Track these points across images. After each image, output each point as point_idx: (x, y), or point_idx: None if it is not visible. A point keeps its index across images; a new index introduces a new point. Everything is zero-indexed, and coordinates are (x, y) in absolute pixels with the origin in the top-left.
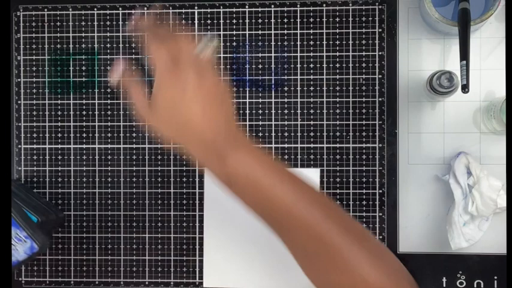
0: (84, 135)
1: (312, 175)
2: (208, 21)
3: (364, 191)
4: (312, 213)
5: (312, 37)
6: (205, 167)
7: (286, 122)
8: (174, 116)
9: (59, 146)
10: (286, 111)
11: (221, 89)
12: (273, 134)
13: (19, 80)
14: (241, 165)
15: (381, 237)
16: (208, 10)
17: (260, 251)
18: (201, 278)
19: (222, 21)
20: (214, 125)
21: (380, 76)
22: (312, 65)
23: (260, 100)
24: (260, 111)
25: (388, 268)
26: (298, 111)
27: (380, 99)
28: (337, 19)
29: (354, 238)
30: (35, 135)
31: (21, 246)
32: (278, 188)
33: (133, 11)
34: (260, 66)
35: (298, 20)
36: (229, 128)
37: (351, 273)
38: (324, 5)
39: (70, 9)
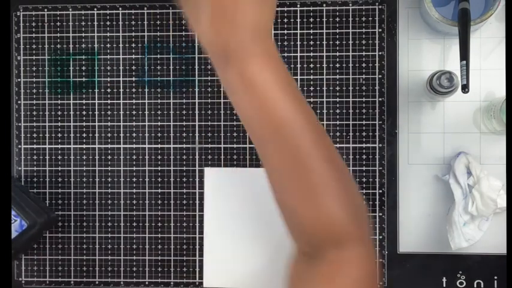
0: (84, 135)
1: None
2: None
3: (364, 191)
4: (303, 136)
5: (312, 37)
6: (216, 68)
7: None
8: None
9: (59, 146)
10: None
11: None
12: None
13: (19, 80)
14: (246, 70)
15: (380, 237)
16: None
17: (260, 251)
18: (201, 278)
19: None
20: (240, 20)
21: (380, 76)
22: (312, 65)
23: None
24: None
25: (355, 208)
26: None
27: (380, 99)
28: (337, 19)
29: (332, 170)
30: (35, 135)
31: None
32: (279, 104)
33: None
34: None
35: (298, 20)
36: (255, 29)
37: (318, 205)
38: (324, 5)
39: (70, 9)
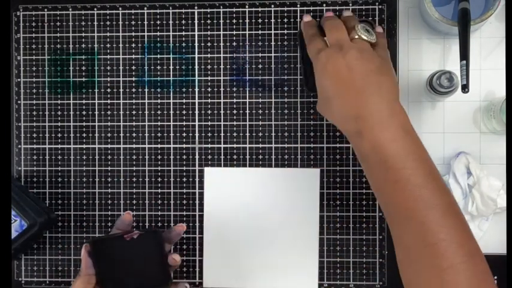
0: (84, 135)
1: (312, 175)
2: (208, 21)
3: (364, 191)
4: (431, 214)
5: None
6: (352, 142)
7: (286, 122)
8: (339, 91)
9: (59, 146)
10: (286, 111)
11: (384, 64)
12: (273, 133)
13: (19, 80)
14: (373, 151)
15: (380, 237)
16: (208, 10)
17: (260, 251)
18: (201, 278)
19: (222, 21)
20: (368, 99)
21: None
22: None
23: (260, 100)
24: (260, 111)
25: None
26: (298, 111)
27: None
28: None
29: (466, 254)
30: (35, 135)
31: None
32: (414, 178)
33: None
34: (260, 66)
35: (298, 19)
36: (384, 103)
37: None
38: (324, 5)
39: (70, 9)
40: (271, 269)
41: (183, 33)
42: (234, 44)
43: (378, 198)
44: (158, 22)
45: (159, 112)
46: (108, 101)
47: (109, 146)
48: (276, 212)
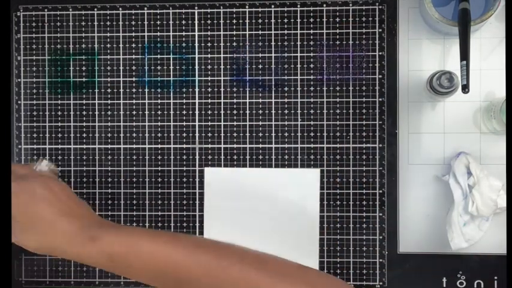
0: (84, 135)
1: (312, 175)
2: (208, 21)
3: (364, 191)
4: (206, 263)
5: (312, 37)
6: (79, 258)
7: (286, 122)
8: (33, 221)
9: (59, 146)
10: (286, 111)
11: (66, 190)
12: (273, 134)
13: (19, 80)
14: (118, 242)
15: (381, 237)
16: (208, 10)
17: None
18: None
19: (222, 21)
20: (77, 214)
21: (380, 76)
22: (312, 65)
23: (260, 100)
24: (260, 111)
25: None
26: (298, 111)
27: (380, 99)
28: (337, 19)
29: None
30: (35, 135)
31: None
32: (163, 250)
33: None
34: (260, 66)
35: (298, 20)
36: (90, 216)
37: None
38: (324, 5)
39: (70, 9)
40: None
41: (183, 33)
42: (234, 44)
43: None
44: (158, 22)
45: (159, 112)
46: (108, 101)
47: (109, 146)
48: (275, 212)
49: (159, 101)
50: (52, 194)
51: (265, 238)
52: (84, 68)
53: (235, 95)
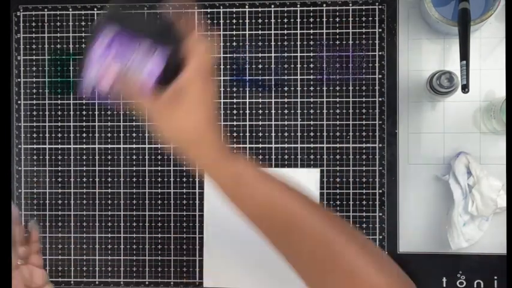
0: (84, 135)
1: (311, 175)
2: (208, 21)
3: (364, 191)
4: (316, 220)
5: (312, 37)
6: (210, 168)
7: (286, 122)
8: (191, 113)
9: (59, 146)
10: (286, 111)
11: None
12: (273, 134)
13: (19, 80)
14: (250, 164)
15: (380, 237)
16: (208, 10)
17: (260, 251)
18: (201, 278)
19: (222, 21)
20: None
21: (380, 76)
22: (312, 65)
23: (260, 100)
24: (260, 111)
25: (393, 274)
26: (298, 111)
27: (380, 99)
28: (337, 19)
29: (358, 245)
30: (35, 135)
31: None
32: (285, 189)
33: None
34: (260, 66)
35: (298, 20)
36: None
37: (358, 280)
38: (324, 5)
39: (70, 9)
40: (271, 269)
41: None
42: (234, 44)
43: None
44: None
45: None
46: (108, 101)
47: (109, 146)
48: None
49: None
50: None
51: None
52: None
53: (235, 95)
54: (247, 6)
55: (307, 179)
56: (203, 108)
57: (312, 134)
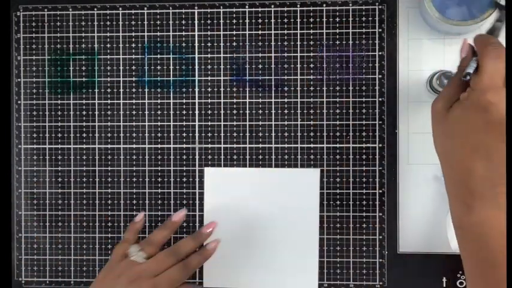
0: (84, 135)
1: (312, 175)
2: (208, 21)
3: (364, 191)
4: None
5: (312, 37)
6: (453, 206)
7: (286, 122)
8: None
9: (59, 146)
10: (286, 111)
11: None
12: (273, 134)
13: (19, 80)
14: (478, 225)
15: (380, 237)
16: (208, 10)
17: (260, 251)
18: (201, 278)
19: (222, 21)
20: (486, 172)
21: (380, 76)
22: (312, 65)
23: (260, 100)
24: (260, 111)
25: None
26: (298, 111)
27: (380, 99)
28: (337, 19)
29: None
30: (35, 135)
31: None
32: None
33: None
34: (260, 66)
35: (298, 20)
36: (496, 176)
37: None
38: (324, 5)
39: (70, 9)
40: (271, 269)
41: (183, 33)
42: (234, 44)
43: (463, 262)
44: (158, 22)
45: (159, 112)
46: (108, 101)
47: (109, 146)
48: (275, 212)
49: (159, 101)
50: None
51: (265, 238)
52: (84, 68)
53: (235, 95)
54: (247, 6)
55: (307, 179)
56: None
57: (312, 134)
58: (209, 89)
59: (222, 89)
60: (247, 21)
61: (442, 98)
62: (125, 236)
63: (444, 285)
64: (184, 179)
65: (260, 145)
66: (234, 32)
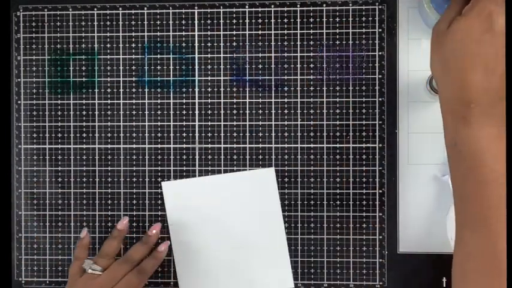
0: (84, 135)
1: (266, 175)
2: (208, 21)
3: (364, 191)
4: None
5: (312, 37)
6: (442, 114)
7: (286, 122)
8: (456, 53)
9: (59, 146)
10: (286, 111)
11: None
12: (273, 134)
13: (19, 80)
14: (474, 141)
15: (380, 237)
16: (208, 10)
17: (230, 257)
18: (175, 278)
19: (222, 21)
20: (486, 81)
21: (380, 76)
22: (312, 65)
23: (260, 100)
24: (260, 111)
25: None
26: (298, 111)
27: (380, 99)
28: (337, 19)
29: None
30: (35, 135)
31: None
32: (495, 186)
33: None
34: (260, 66)
35: (298, 20)
36: (496, 88)
37: None
38: (324, 5)
39: (70, 9)
40: (244, 272)
41: (183, 33)
42: (234, 44)
43: (454, 187)
44: (158, 22)
45: (159, 112)
46: (108, 101)
47: (109, 146)
48: (238, 216)
49: (159, 101)
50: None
51: (233, 243)
52: (84, 68)
53: (235, 95)
54: (247, 6)
55: (263, 179)
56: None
57: (312, 134)
58: (209, 89)
59: (222, 89)
60: (247, 21)
61: (445, 19)
62: (75, 255)
63: (444, 285)
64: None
65: (260, 145)
66: (234, 32)
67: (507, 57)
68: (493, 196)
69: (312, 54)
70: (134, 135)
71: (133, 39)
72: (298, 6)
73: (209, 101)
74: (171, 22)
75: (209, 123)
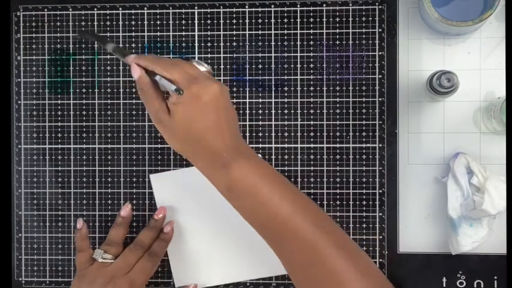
0: (84, 135)
1: None
2: (208, 21)
3: (364, 191)
4: (306, 226)
5: (312, 37)
6: (207, 176)
7: (286, 122)
8: (191, 128)
9: (59, 146)
10: (286, 111)
11: (227, 99)
12: (273, 134)
13: (19, 80)
14: (243, 175)
15: (380, 237)
16: (208, 10)
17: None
18: (169, 277)
19: (222, 21)
20: (224, 131)
21: (380, 76)
22: (312, 65)
23: (260, 100)
24: (260, 111)
25: (375, 276)
26: (298, 111)
27: (380, 99)
28: (337, 19)
29: (347, 252)
30: (35, 135)
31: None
32: (276, 199)
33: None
34: (260, 66)
35: (298, 20)
36: (234, 137)
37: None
38: (324, 5)
39: (70, 9)
40: (237, 259)
41: (183, 33)
42: (234, 44)
43: (248, 221)
44: (158, 22)
45: None
46: (108, 101)
47: (109, 146)
48: (224, 205)
49: None
50: (216, 101)
51: (223, 230)
52: (84, 68)
53: (235, 95)
54: (247, 6)
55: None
56: (211, 114)
57: (312, 134)
58: None
59: None
60: (247, 21)
61: (160, 111)
62: (78, 247)
63: (444, 285)
64: None
65: (260, 145)
66: (234, 32)
67: (507, 57)
68: (279, 217)
69: (312, 54)
70: (134, 135)
71: (133, 39)
72: (298, 6)
73: None
74: (171, 22)
75: None
